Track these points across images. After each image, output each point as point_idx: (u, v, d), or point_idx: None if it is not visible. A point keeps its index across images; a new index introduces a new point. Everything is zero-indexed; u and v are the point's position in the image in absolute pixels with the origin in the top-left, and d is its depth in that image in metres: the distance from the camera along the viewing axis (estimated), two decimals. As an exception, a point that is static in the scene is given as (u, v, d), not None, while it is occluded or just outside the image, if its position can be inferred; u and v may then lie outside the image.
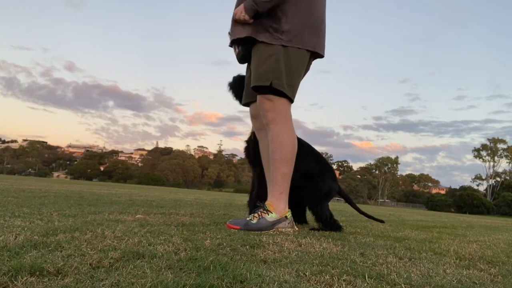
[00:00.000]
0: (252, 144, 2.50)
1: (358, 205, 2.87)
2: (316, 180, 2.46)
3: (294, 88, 2.12)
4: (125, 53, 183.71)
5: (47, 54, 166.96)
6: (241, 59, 2.21)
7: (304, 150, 2.45)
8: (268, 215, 2.05)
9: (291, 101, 2.13)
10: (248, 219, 2.04)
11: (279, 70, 2.04)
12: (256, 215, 2.05)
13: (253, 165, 2.56)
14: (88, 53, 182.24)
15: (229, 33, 2.19)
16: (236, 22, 2.09)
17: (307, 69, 2.24)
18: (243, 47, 2.14)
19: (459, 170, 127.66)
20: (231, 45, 2.22)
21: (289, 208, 2.15)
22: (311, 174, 2.45)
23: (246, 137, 2.70)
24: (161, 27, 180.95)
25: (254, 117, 2.32)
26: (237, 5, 2.16)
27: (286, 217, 2.10)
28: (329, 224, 2.38)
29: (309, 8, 2.11)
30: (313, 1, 2.12)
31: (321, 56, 2.23)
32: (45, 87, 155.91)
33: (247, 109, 2.41)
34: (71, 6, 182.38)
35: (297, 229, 2.17)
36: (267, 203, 2.10)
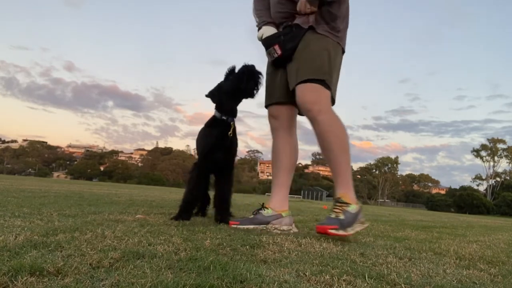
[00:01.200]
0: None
1: None
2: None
3: (336, 86, 2.13)
4: (124, 53, 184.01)
5: (46, 54, 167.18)
6: (277, 62, 2.17)
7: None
8: (350, 207, 1.97)
9: (333, 101, 2.13)
10: (333, 216, 1.93)
11: (330, 67, 2.05)
12: (338, 210, 1.95)
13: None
14: (87, 53, 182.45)
15: (263, 39, 2.18)
16: (299, 15, 2.07)
17: None
18: (290, 44, 2.08)
19: (458, 170, 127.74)
20: (268, 47, 2.15)
21: None
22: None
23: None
24: (160, 26, 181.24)
25: (275, 117, 2.28)
26: (271, 7, 2.19)
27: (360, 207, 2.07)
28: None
29: (348, 12, 2.17)
30: (348, 5, 2.18)
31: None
32: (45, 87, 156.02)
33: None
34: (70, 6, 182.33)
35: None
36: (340, 195, 2.01)
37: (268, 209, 2.15)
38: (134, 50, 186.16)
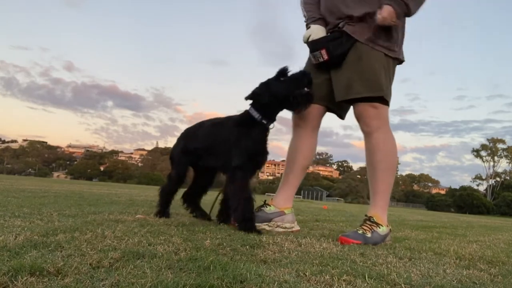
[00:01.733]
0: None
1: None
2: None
3: (390, 96, 2.09)
4: (124, 53, 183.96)
5: (46, 54, 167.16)
6: (322, 65, 2.08)
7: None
8: (380, 228, 1.97)
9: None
10: (360, 232, 1.92)
11: (388, 81, 2.03)
12: (367, 228, 1.95)
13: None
14: (86, 53, 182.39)
15: (309, 41, 2.08)
16: (380, 26, 1.95)
17: None
18: (338, 51, 2.00)
19: (458, 170, 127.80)
20: (314, 50, 2.06)
21: None
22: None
23: None
24: (160, 26, 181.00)
25: (304, 118, 2.19)
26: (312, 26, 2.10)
27: (390, 229, 2.08)
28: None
29: (405, 22, 2.11)
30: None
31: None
32: (44, 87, 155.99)
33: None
34: (70, 6, 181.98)
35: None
36: (373, 214, 2.01)
37: (270, 206, 2.16)
38: (133, 50, 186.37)
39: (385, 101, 2.01)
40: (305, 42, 2.12)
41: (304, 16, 2.20)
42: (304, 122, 2.19)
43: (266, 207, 2.16)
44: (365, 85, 1.97)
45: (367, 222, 1.98)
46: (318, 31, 2.08)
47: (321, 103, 2.15)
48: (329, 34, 2.08)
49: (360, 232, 1.93)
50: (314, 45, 2.06)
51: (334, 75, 2.07)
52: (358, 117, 2.07)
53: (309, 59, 2.16)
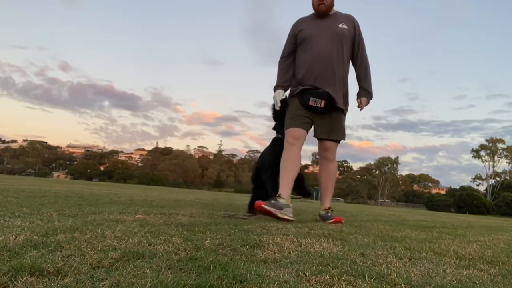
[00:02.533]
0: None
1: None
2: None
3: None
4: (119, 53, 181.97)
5: (41, 54, 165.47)
6: (314, 110, 3.05)
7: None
8: (331, 212, 3.28)
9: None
10: (328, 214, 3.21)
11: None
12: (330, 212, 3.24)
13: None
14: (82, 52, 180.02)
15: (312, 92, 3.04)
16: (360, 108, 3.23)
17: None
18: (328, 104, 3.02)
19: (458, 170, 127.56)
20: (315, 96, 3.03)
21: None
22: None
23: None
24: (155, 27, 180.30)
25: (296, 138, 3.06)
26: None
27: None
28: None
29: None
30: None
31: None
32: (40, 87, 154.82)
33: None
34: (66, 5, 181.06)
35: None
36: (329, 206, 3.30)
37: (283, 198, 2.83)
38: (129, 49, 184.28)
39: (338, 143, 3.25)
40: (276, 101, 3.21)
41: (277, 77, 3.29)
42: (297, 142, 3.07)
43: (281, 199, 2.82)
44: (340, 133, 3.22)
45: (330, 209, 3.26)
46: (280, 95, 3.20)
47: (306, 129, 3.12)
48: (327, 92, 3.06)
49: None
50: (319, 95, 3.01)
51: (318, 119, 3.11)
52: (327, 149, 3.22)
53: (293, 99, 3.16)
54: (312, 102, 3.01)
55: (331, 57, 3.05)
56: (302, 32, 3.17)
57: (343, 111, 3.16)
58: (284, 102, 3.19)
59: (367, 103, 3.21)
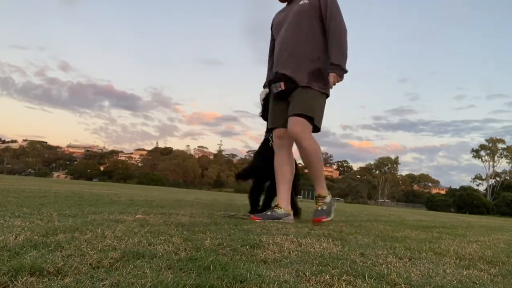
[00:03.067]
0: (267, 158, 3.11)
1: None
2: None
3: (321, 120, 2.93)
4: (119, 53, 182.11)
5: (41, 54, 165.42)
6: (281, 95, 2.88)
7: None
8: (326, 198, 2.90)
9: (318, 130, 2.92)
10: (320, 209, 2.84)
11: (319, 110, 2.88)
12: (321, 203, 2.87)
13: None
14: (81, 52, 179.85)
15: (272, 80, 2.94)
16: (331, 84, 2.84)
17: None
18: (288, 86, 2.84)
19: (458, 170, 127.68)
20: (271, 84, 2.94)
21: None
22: None
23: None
24: (154, 27, 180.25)
25: (280, 138, 2.97)
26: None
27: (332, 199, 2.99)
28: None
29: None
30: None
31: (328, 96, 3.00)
32: (40, 87, 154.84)
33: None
34: (65, 4, 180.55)
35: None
36: (320, 192, 2.90)
37: (281, 208, 2.82)
38: (129, 49, 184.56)
39: (312, 121, 2.82)
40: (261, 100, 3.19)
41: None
42: (283, 142, 2.97)
43: (278, 209, 2.81)
44: (302, 107, 2.80)
45: (319, 198, 2.89)
46: (262, 94, 3.18)
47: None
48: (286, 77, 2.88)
49: (319, 209, 2.82)
50: (276, 79, 2.88)
51: (290, 102, 2.88)
52: (291, 125, 2.85)
53: (271, 93, 3.01)
54: (274, 88, 2.91)
55: (290, 39, 2.90)
56: (274, 25, 3.15)
57: (310, 88, 2.83)
58: (265, 100, 3.17)
59: (337, 79, 2.80)
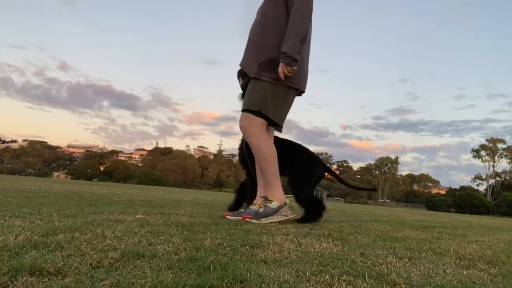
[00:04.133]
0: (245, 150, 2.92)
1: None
2: (297, 169, 2.88)
3: (278, 114, 2.67)
4: (118, 52, 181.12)
5: (40, 53, 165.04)
6: (245, 88, 2.76)
7: (284, 146, 2.90)
8: (271, 203, 2.56)
9: (276, 124, 2.70)
10: (255, 209, 2.53)
11: (268, 102, 2.60)
12: (261, 205, 2.56)
13: (244, 166, 3.06)
14: (81, 52, 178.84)
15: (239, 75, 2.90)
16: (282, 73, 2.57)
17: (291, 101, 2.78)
18: (246, 80, 2.75)
19: (457, 170, 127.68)
20: (238, 77, 2.88)
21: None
22: (292, 164, 2.87)
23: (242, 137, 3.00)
24: (155, 25, 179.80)
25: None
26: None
27: (285, 203, 2.61)
28: (313, 207, 2.77)
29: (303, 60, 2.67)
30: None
31: (303, 92, 2.79)
32: (39, 87, 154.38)
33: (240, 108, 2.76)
34: (64, 4, 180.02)
35: (295, 214, 2.64)
36: (267, 195, 2.61)
37: (274, 201, 2.58)
38: (129, 49, 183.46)
39: (261, 114, 2.60)
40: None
41: None
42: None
43: (271, 203, 2.57)
44: (247, 101, 2.65)
45: (264, 201, 2.60)
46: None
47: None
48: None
49: (253, 208, 2.58)
50: (237, 74, 2.89)
51: None
52: (239, 121, 2.72)
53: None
54: (240, 86, 2.86)
55: (253, 28, 2.75)
56: None
57: (259, 79, 2.62)
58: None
59: (286, 69, 2.53)
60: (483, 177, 66.05)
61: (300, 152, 3.00)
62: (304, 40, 2.55)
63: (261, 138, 2.63)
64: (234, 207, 3.02)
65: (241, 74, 2.81)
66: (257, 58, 2.65)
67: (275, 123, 2.69)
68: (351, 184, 3.37)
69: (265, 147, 2.63)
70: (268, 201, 2.57)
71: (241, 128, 2.69)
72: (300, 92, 2.77)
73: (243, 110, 2.67)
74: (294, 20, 2.54)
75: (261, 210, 2.52)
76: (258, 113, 2.59)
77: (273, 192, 2.60)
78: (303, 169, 2.89)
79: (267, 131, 2.73)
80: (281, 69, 2.52)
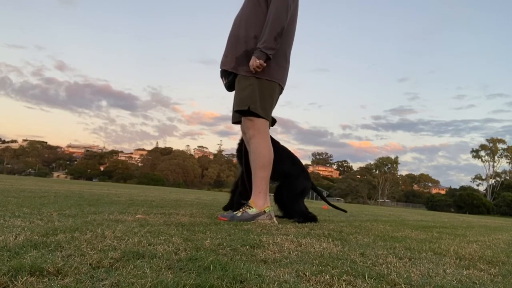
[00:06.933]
0: (243, 151, 2.92)
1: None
2: (291, 180, 2.95)
3: (267, 110, 2.61)
4: (117, 52, 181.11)
5: (38, 53, 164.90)
6: (228, 88, 2.73)
7: (283, 154, 2.96)
8: (250, 210, 2.53)
9: (267, 120, 2.64)
10: (234, 213, 2.53)
11: (255, 97, 2.55)
12: (241, 210, 2.55)
13: (240, 164, 3.04)
14: (78, 52, 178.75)
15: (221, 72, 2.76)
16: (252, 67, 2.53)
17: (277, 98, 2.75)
18: (229, 78, 2.67)
19: (457, 170, 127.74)
20: (221, 77, 2.76)
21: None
22: (287, 174, 2.96)
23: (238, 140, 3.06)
24: (154, 25, 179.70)
25: (243, 133, 2.75)
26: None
27: (264, 211, 2.56)
28: (306, 217, 2.87)
29: (281, 53, 2.63)
30: (282, 41, 2.58)
31: (282, 89, 2.75)
32: (37, 87, 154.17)
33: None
34: (62, 4, 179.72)
35: (276, 221, 2.59)
36: (250, 201, 2.59)
37: (253, 208, 2.54)
38: (127, 49, 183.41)
39: (253, 113, 2.56)
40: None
41: None
42: (245, 137, 2.73)
43: (250, 209, 2.54)
44: (236, 102, 2.63)
45: (244, 206, 2.57)
46: None
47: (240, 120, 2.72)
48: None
49: (235, 213, 2.53)
50: (220, 74, 2.75)
51: None
52: (241, 127, 2.75)
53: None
54: (224, 85, 2.77)
55: (234, 22, 2.72)
56: None
57: (244, 76, 2.59)
58: None
59: (257, 64, 2.47)
60: (483, 177, 66.06)
61: (295, 164, 3.06)
62: (279, 35, 2.51)
63: (261, 141, 2.61)
64: (229, 207, 3.08)
65: (224, 74, 2.74)
66: (236, 52, 2.62)
67: (261, 117, 2.63)
68: (329, 202, 3.73)
69: (263, 151, 2.60)
70: (247, 207, 2.55)
71: (243, 131, 2.73)
72: (281, 89, 2.75)
73: (235, 111, 2.65)
74: (270, 15, 2.52)
75: (239, 214, 2.50)
76: (248, 113, 2.58)
77: (255, 199, 2.57)
78: (297, 181, 2.96)
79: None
80: (252, 61, 2.50)
